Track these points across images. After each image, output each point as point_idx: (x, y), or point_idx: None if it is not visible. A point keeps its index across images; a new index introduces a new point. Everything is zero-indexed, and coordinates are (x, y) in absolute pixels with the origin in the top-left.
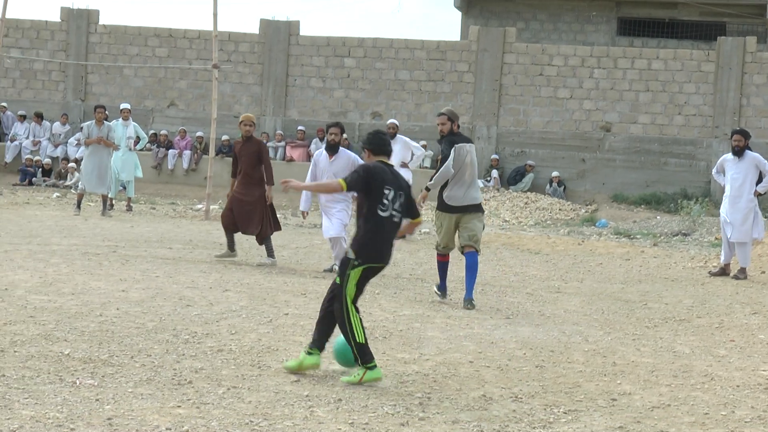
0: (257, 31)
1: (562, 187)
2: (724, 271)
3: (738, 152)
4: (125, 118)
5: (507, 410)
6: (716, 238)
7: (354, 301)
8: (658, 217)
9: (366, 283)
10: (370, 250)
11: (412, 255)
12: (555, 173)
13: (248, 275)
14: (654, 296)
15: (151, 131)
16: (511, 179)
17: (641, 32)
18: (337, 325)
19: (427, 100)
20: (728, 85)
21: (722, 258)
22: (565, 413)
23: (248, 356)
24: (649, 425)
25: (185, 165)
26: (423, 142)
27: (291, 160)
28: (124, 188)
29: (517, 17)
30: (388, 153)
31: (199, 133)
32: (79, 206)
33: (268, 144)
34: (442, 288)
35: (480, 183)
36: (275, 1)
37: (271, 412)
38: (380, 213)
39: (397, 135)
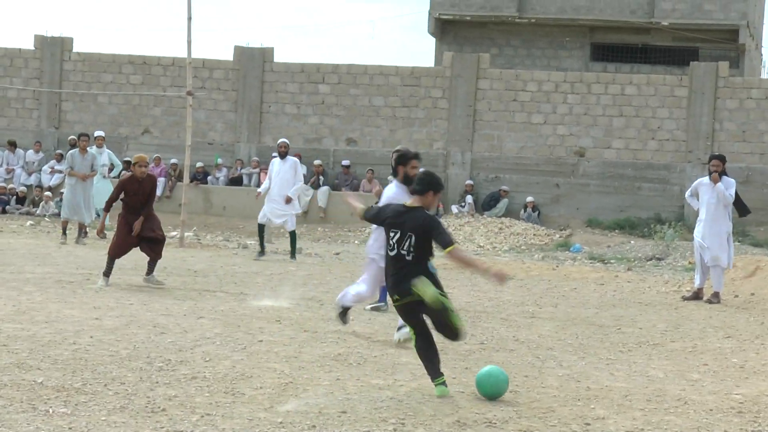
0: (231, 58)
1: (537, 212)
2: (697, 296)
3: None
4: (99, 146)
5: None
6: (689, 263)
7: (417, 334)
8: (632, 242)
9: (414, 314)
10: (389, 288)
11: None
12: (529, 198)
13: (222, 302)
14: (628, 321)
15: (126, 158)
16: (486, 205)
17: (614, 58)
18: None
19: (402, 126)
20: (701, 110)
21: (696, 282)
22: None
23: (222, 383)
24: None
25: (159, 192)
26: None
27: None
28: (98, 215)
29: (490, 43)
30: (414, 192)
31: (173, 161)
32: (64, 233)
33: (242, 171)
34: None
35: (454, 208)
36: (249, 28)
37: None
38: (389, 252)
39: (288, 156)
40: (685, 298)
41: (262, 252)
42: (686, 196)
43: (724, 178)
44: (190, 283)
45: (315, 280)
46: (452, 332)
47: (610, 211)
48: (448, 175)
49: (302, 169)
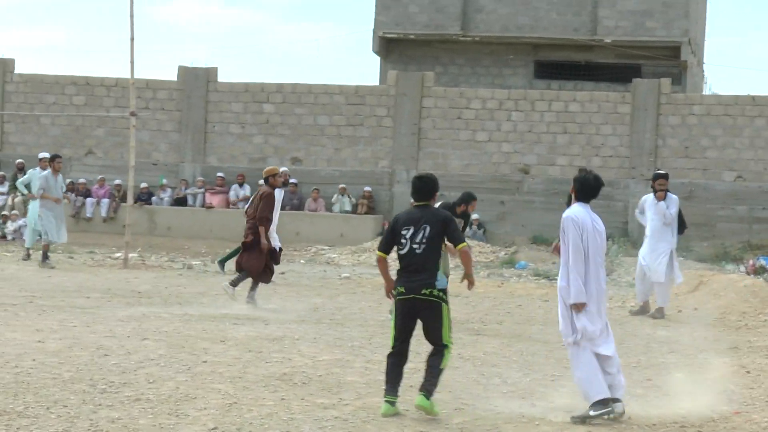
0: (175, 78)
1: (482, 229)
2: (644, 309)
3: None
4: (43, 168)
5: None
6: (633, 278)
7: (395, 336)
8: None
9: (408, 319)
10: (396, 284)
11: (332, 299)
12: (474, 216)
13: (167, 323)
14: None
15: (68, 180)
16: None
17: (558, 75)
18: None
19: (347, 144)
20: (644, 126)
21: (638, 297)
22: None
23: (166, 405)
24: None
25: (103, 213)
26: (342, 185)
27: (210, 206)
28: (40, 237)
29: (435, 61)
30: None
31: (117, 181)
32: (47, 257)
33: (187, 191)
34: None
35: None
36: (193, 48)
37: None
38: (400, 252)
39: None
40: (632, 313)
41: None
42: (636, 213)
43: (669, 195)
44: (134, 304)
45: (260, 300)
46: (438, 341)
47: (555, 228)
48: (393, 194)
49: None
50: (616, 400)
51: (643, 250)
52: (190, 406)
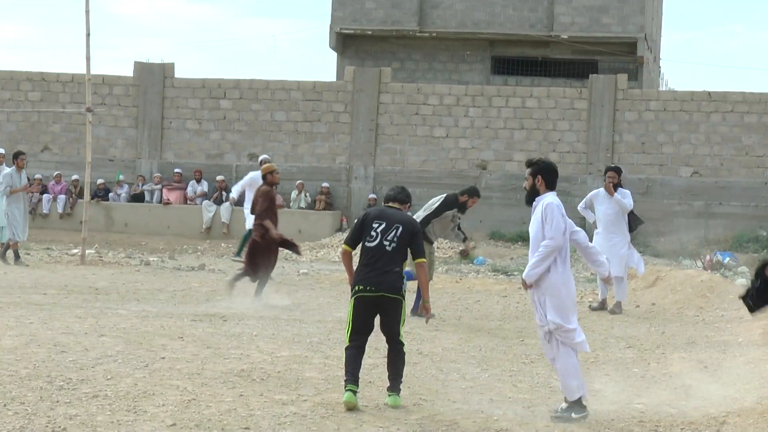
0: (132, 74)
1: None
2: (603, 305)
3: (612, 188)
4: None
5: None
6: (591, 274)
7: (354, 332)
8: None
9: (369, 315)
10: (357, 279)
11: (290, 296)
12: None
13: (124, 320)
14: (531, 332)
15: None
16: None
17: (515, 71)
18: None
19: (304, 140)
20: (601, 122)
21: (600, 293)
22: None
23: (124, 401)
24: None
25: (60, 209)
26: (300, 182)
27: (168, 202)
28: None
29: (392, 57)
30: (396, 200)
31: (74, 177)
32: (19, 256)
33: (144, 187)
34: None
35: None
36: (150, 44)
37: None
38: (367, 244)
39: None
40: (592, 309)
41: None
42: (579, 207)
43: (620, 189)
44: (92, 300)
45: (218, 296)
46: (396, 336)
47: (512, 224)
48: (351, 190)
49: None
50: None
51: (599, 245)
52: (148, 402)
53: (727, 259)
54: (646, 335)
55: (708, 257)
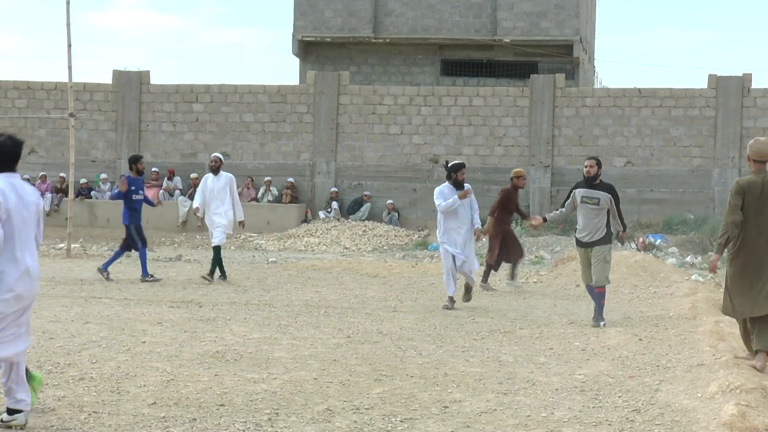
0: (111, 81)
1: (397, 214)
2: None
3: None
4: None
5: (349, 421)
6: (536, 257)
7: None
8: (484, 240)
9: None
10: None
11: (260, 282)
12: (389, 202)
13: (108, 308)
14: (481, 311)
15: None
16: (350, 209)
17: (462, 72)
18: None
19: (271, 140)
20: (541, 117)
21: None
22: (402, 422)
23: (108, 383)
24: (478, 429)
25: (47, 207)
26: (267, 178)
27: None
28: None
29: (350, 62)
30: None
31: (61, 174)
32: None
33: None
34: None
35: (321, 214)
36: (127, 53)
37: None
38: None
39: (221, 172)
40: (445, 307)
41: (223, 275)
42: (442, 202)
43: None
44: (77, 290)
45: (194, 285)
46: None
47: None
48: (315, 184)
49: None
50: None
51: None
52: (130, 383)
53: (659, 240)
54: (586, 312)
55: (641, 239)
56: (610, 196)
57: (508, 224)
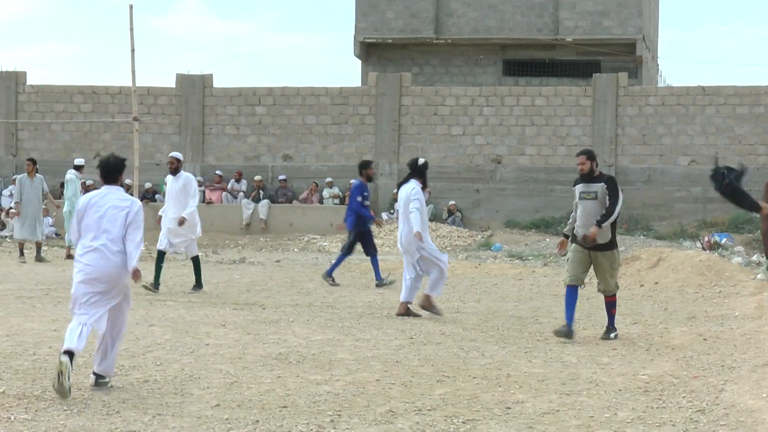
0: (174, 85)
1: (460, 215)
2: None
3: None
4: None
5: (411, 423)
6: None
7: None
8: (547, 240)
9: None
10: None
11: (323, 284)
12: (452, 202)
13: (172, 311)
14: (544, 312)
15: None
16: None
17: (524, 72)
18: None
19: (333, 141)
20: (604, 117)
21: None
22: (464, 423)
23: (172, 385)
24: (540, 430)
25: None
26: (329, 179)
27: (210, 202)
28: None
29: (411, 63)
30: None
31: (127, 181)
32: (22, 253)
33: None
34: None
35: (384, 215)
36: (190, 57)
37: None
38: None
39: (182, 172)
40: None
41: (155, 285)
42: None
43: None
44: (141, 293)
45: (257, 287)
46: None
47: (526, 213)
48: (377, 185)
49: (195, 186)
50: None
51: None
52: (194, 385)
53: (724, 239)
54: (650, 312)
55: (706, 238)
56: (603, 184)
57: None
